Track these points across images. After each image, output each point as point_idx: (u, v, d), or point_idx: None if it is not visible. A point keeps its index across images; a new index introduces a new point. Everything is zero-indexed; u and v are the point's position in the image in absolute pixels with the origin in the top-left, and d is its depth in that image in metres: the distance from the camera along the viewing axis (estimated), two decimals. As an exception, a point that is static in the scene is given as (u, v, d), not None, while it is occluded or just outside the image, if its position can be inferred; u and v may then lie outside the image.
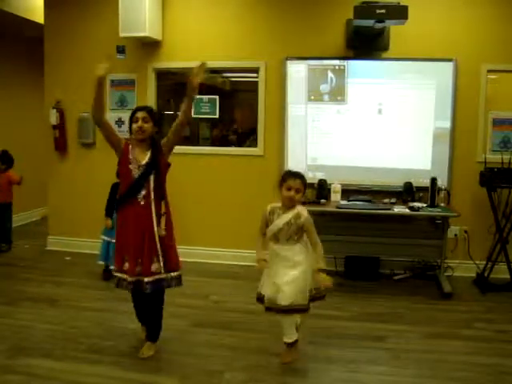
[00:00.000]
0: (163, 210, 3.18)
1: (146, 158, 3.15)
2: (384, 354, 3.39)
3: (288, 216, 3.10)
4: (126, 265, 3.16)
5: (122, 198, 3.20)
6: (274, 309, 3.15)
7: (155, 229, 3.13)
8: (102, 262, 4.81)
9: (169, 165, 3.27)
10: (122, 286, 3.20)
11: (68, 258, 5.57)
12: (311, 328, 3.72)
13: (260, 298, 3.25)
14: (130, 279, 3.14)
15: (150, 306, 3.32)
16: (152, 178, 3.14)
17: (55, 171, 5.87)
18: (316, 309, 3.94)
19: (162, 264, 3.15)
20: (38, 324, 3.79)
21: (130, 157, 3.14)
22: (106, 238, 4.77)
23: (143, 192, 3.12)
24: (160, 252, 3.14)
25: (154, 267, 3.13)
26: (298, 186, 3.08)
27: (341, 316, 4.06)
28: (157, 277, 3.15)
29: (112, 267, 4.53)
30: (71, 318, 3.92)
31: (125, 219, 3.19)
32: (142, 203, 3.12)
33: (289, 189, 3.08)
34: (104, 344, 3.46)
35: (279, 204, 3.16)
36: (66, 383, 2.99)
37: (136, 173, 3.13)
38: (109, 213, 4.72)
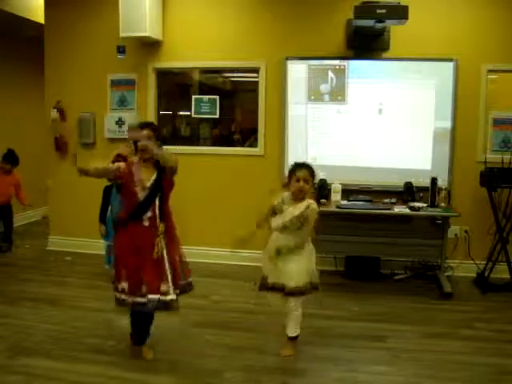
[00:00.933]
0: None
1: (151, 179, 3.13)
2: (384, 354, 3.39)
3: (300, 208, 3.14)
4: (125, 285, 3.12)
5: (125, 219, 3.16)
6: (280, 290, 3.24)
7: (163, 249, 3.12)
8: (107, 267, 4.68)
9: (173, 184, 3.23)
10: (122, 305, 3.17)
11: (68, 258, 5.57)
12: (311, 328, 3.72)
13: (264, 284, 3.32)
14: (130, 300, 3.11)
15: (147, 318, 3.30)
16: (157, 199, 3.13)
17: (55, 171, 5.87)
18: (316, 309, 3.95)
19: (170, 284, 3.12)
20: (39, 324, 3.79)
21: (135, 179, 3.12)
22: (106, 242, 4.68)
23: (149, 214, 3.11)
24: (169, 272, 3.12)
25: (163, 287, 3.10)
26: (306, 176, 3.14)
27: (341, 316, 4.06)
28: (165, 298, 3.10)
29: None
30: (71, 318, 3.92)
31: (128, 239, 3.14)
32: (147, 224, 3.11)
33: (297, 180, 3.14)
34: (104, 344, 3.47)
35: (287, 195, 3.22)
36: (66, 383, 2.99)
37: (142, 195, 3.11)
38: (102, 218, 4.65)
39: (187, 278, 3.30)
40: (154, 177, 3.13)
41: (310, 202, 3.17)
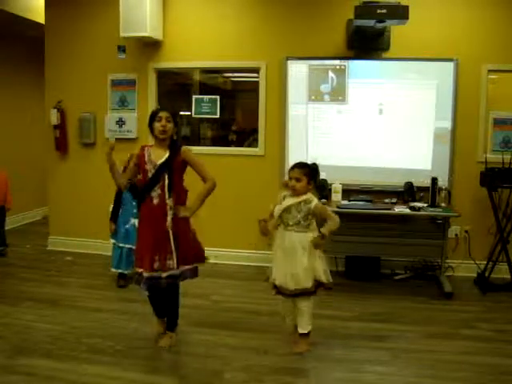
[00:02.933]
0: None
1: (163, 158, 3.24)
2: (384, 354, 3.39)
3: (297, 199, 3.26)
4: (144, 261, 3.25)
5: (138, 197, 3.35)
6: (285, 294, 3.33)
7: (169, 227, 3.22)
8: (114, 270, 4.64)
9: (184, 166, 3.32)
10: (138, 282, 3.28)
11: (69, 258, 5.57)
12: (311, 328, 3.72)
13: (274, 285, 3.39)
14: (146, 275, 3.22)
15: (167, 299, 3.43)
16: (166, 177, 3.21)
17: (56, 171, 5.87)
18: (316, 309, 3.94)
19: (175, 260, 3.23)
20: (39, 324, 3.79)
21: (146, 158, 3.26)
22: (114, 240, 4.66)
23: (157, 191, 3.22)
24: (174, 249, 3.23)
25: (168, 263, 3.22)
26: (296, 175, 3.25)
27: (341, 316, 4.06)
28: (171, 272, 3.24)
29: (126, 272, 4.56)
30: (72, 318, 3.92)
31: (142, 218, 3.34)
32: (155, 202, 3.22)
33: (290, 178, 3.27)
34: (104, 344, 3.47)
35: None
36: (66, 383, 2.99)
37: (152, 173, 3.24)
38: (113, 217, 4.65)
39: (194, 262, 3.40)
40: (165, 156, 3.24)
41: (309, 196, 3.29)
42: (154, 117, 3.29)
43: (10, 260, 5.56)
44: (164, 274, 3.23)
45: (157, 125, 3.26)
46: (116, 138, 5.47)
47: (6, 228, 5.94)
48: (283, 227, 3.30)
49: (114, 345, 3.46)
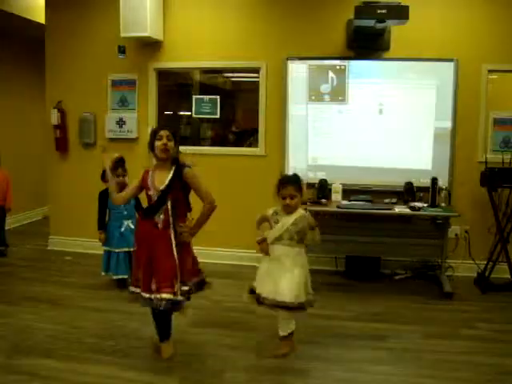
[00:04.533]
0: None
1: (165, 182, 3.14)
2: (384, 354, 3.39)
3: (293, 217, 3.21)
4: (141, 282, 3.19)
5: (141, 216, 3.31)
6: (264, 303, 3.26)
7: (175, 254, 3.13)
8: (103, 274, 4.65)
9: (188, 189, 3.24)
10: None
11: (69, 258, 5.57)
12: (311, 328, 3.73)
13: (253, 291, 3.37)
14: (146, 296, 3.15)
15: (160, 319, 3.31)
16: (169, 201, 3.13)
17: (56, 171, 5.88)
18: (316, 309, 3.94)
19: (177, 286, 3.13)
20: (39, 324, 3.79)
21: (150, 183, 3.17)
22: (105, 247, 4.63)
23: (162, 217, 3.13)
24: (178, 275, 3.14)
25: (175, 287, 3.12)
26: (290, 193, 3.18)
27: (341, 316, 4.06)
28: (172, 297, 3.11)
29: (114, 277, 4.54)
30: (72, 318, 3.92)
31: (142, 239, 3.23)
32: (160, 226, 3.14)
33: (283, 198, 3.19)
34: (104, 344, 3.47)
35: (280, 207, 3.27)
36: (66, 383, 2.99)
37: (155, 199, 3.16)
38: (101, 225, 4.61)
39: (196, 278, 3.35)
40: (168, 178, 3.15)
41: (303, 212, 3.24)
42: (154, 136, 3.17)
43: (10, 260, 5.57)
44: (159, 296, 3.10)
45: (157, 143, 3.12)
46: (116, 138, 5.57)
47: (6, 228, 5.94)
48: (275, 243, 3.25)
49: (114, 345, 3.46)
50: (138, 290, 3.20)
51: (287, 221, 3.21)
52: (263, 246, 3.28)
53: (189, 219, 3.24)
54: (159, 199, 3.13)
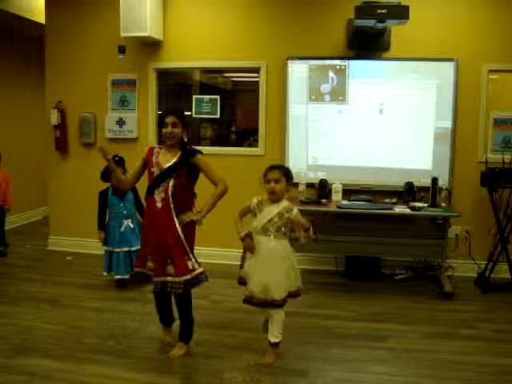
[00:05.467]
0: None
1: (171, 162, 3.17)
2: (384, 354, 3.39)
3: (278, 207, 3.15)
4: (150, 264, 3.24)
5: (145, 197, 3.30)
6: (253, 303, 3.19)
7: (178, 230, 3.15)
8: (105, 274, 4.66)
9: (194, 175, 3.25)
10: (144, 279, 3.29)
11: (69, 258, 5.57)
12: (312, 328, 3.73)
13: (242, 282, 3.31)
14: (156, 279, 3.20)
15: (179, 306, 3.34)
16: (171, 182, 3.15)
17: (56, 171, 5.88)
18: (316, 309, 3.96)
19: (193, 260, 3.21)
20: (39, 324, 3.79)
21: (154, 161, 3.20)
22: (106, 248, 4.63)
23: (161, 195, 3.15)
24: (189, 250, 3.20)
25: (189, 264, 3.18)
26: (276, 177, 3.13)
27: (341, 316, 4.05)
28: (195, 273, 3.18)
29: (116, 277, 4.54)
30: (72, 317, 3.92)
31: (147, 220, 3.29)
32: (159, 205, 3.15)
33: (268, 181, 3.14)
34: (104, 344, 3.47)
35: (265, 197, 3.21)
36: (66, 383, 2.99)
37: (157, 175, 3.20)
38: (101, 225, 4.62)
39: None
40: (173, 160, 3.18)
41: (290, 207, 3.17)
42: (161, 121, 3.21)
43: (10, 260, 5.57)
44: (185, 278, 3.15)
45: (163, 131, 3.19)
46: (116, 138, 5.57)
47: (6, 228, 5.95)
48: (261, 234, 3.17)
49: (114, 345, 3.46)
50: (142, 270, 3.26)
51: (272, 210, 3.15)
52: (248, 243, 3.18)
53: (195, 206, 3.27)
54: (160, 175, 3.16)
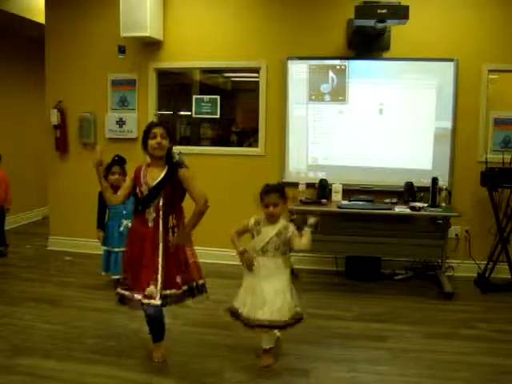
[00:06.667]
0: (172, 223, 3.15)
1: (158, 179, 3.09)
2: (384, 354, 3.39)
3: (277, 227, 3.12)
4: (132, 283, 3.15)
5: (134, 215, 3.26)
6: (254, 326, 3.10)
7: (159, 256, 3.07)
8: (104, 273, 4.66)
9: (182, 191, 3.17)
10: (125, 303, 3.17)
11: (69, 258, 5.57)
12: (311, 328, 3.72)
13: (234, 313, 3.22)
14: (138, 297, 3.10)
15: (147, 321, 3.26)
16: (161, 200, 3.09)
17: (56, 171, 5.88)
18: (316, 309, 3.95)
19: (158, 288, 3.05)
20: (39, 324, 3.79)
21: (142, 180, 3.12)
22: (104, 247, 4.64)
23: (153, 214, 3.09)
24: (159, 276, 3.06)
25: (148, 290, 3.05)
26: (273, 201, 3.08)
27: (341, 316, 4.05)
28: (146, 301, 3.05)
29: (114, 277, 4.53)
30: (72, 318, 3.93)
31: (133, 236, 3.20)
32: (150, 225, 3.10)
33: (266, 206, 3.10)
34: (104, 344, 3.47)
35: (263, 216, 3.17)
36: (66, 383, 2.99)
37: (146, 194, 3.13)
38: (100, 224, 4.62)
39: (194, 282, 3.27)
40: (160, 177, 3.10)
41: (287, 225, 3.14)
42: (147, 133, 3.10)
43: (10, 260, 5.57)
44: (145, 301, 3.05)
45: (151, 142, 3.06)
46: (116, 138, 5.57)
47: (6, 228, 5.94)
48: (259, 255, 3.12)
49: (114, 345, 3.46)
50: (123, 292, 3.15)
51: (270, 231, 3.11)
52: (246, 258, 3.12)
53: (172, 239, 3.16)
54: (149, 194, 3.09)
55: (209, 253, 5.39)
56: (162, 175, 3.10)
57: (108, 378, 3.04)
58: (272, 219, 3.13)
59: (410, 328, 3.82)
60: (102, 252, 4.70)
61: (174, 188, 3.11)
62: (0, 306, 4.14)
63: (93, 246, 5.39)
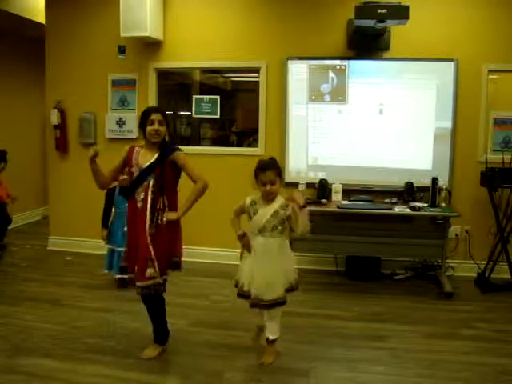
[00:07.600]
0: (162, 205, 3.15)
1: (149, 161, 3.14)
2: (384, 354, 3.39)
3: (274, 206, 3.10)
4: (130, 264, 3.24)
5: (124, 196, 3.30)
6: (261, 305, 3.14)
7: (147, 237, 3.09)
8: (106, 271, 4.66)
9: (175, 174, 3.21)
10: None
11: (69, 258, 5.57)
12: (311, 328, 3.73)
13: (241, 293, 3.22)
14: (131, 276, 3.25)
15: (148, 308, 3.29)
16: (151, 181, 3.12)
17: (56, 171, 5.88)
18: (316, 309, 3.95)
19: (156, 269, 3.09)
20: (39, 324, 3.79)
21: (134, 161, 3.17)
22: (109, 246, 4.63)
23: (141, 195, 3.13)
24: (154, 256, 3.09)
25: (147, 272, 3.09)
26: (270, 178, 3.05)
27: (341, 316, 4.05)
28: (150, 282, 3.10)
29: (117, 276, 4.54)
30: (72, 317, 3.92)
31: (128, 219, 3.26)
32: (139, 205, 3.14)
33: (263, 184, 3.07)
34: (104, 344, 3.47)
35: (259, 195, 3.15)
36: (65, 383, 2.99)
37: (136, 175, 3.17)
38: (105, 223, 4.62)
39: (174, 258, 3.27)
40: (152, 160, 3.14)
41: (284, 202, 3.11)
42: (145, 119, 3.14)
43: (9, 260, 5.56)
44: (140, 284, 3.11)
45: (149, 129, 3.12)
46: (116, 138, 5.57)
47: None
48: (257, 234, 3.12)
49: (114, 345, 3.46)
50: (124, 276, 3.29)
51: (268, 210, 3.08)
52: (245, 241, 3.15)
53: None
54: (139, 176, 3.13)
55: (209, 253, 5.41)
56: (155, 158, 3.14)
57: (108, 378, 3.04)
58: (270, 197, 3.10)
59: (410, 328, 3.81)
60: (101, 252, 4.72)
61: (165, 170, 3.14)
62: (0, 306, 4.14)
63: (93, 245, 5.40)
